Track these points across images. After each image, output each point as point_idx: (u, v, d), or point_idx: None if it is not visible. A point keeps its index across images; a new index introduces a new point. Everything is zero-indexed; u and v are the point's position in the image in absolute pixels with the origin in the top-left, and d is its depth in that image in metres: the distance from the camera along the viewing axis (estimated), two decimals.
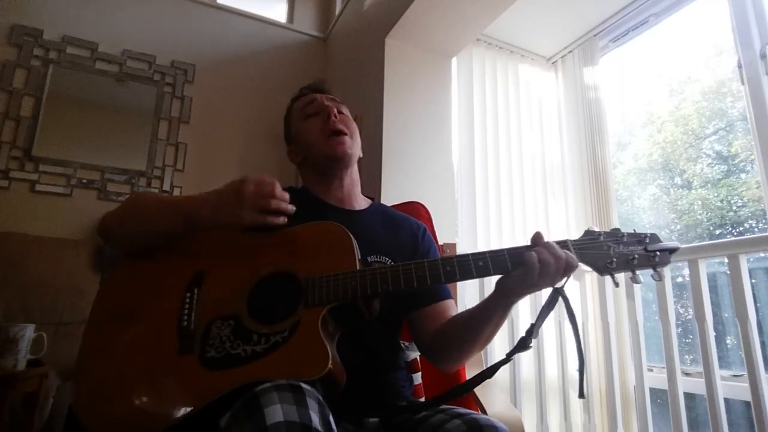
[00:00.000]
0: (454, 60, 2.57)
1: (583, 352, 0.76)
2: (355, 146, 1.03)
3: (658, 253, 0.74)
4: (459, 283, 1.43)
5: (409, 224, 1.06)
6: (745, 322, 1.44)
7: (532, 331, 0.76)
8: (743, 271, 1.48)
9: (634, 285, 1.81)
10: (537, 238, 0.76)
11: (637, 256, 0.74)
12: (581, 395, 0.76)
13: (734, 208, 2.29)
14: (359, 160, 1.08)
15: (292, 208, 0.83)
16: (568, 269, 0.73)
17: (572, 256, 0.74)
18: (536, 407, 2.00)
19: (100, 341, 0.80)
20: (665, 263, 0.74)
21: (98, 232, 0.89)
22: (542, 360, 2.02)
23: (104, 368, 0.76)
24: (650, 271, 0.75)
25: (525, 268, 0.73)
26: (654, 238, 0.75)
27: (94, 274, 2.16)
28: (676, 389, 1.61)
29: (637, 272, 0.74)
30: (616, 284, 0.75)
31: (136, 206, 0.88)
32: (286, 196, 0.83)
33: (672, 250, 0.74)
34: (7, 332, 1.39)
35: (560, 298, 0.77)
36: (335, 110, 1.03)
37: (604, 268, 0.74)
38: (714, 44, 2.47)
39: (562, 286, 0.76)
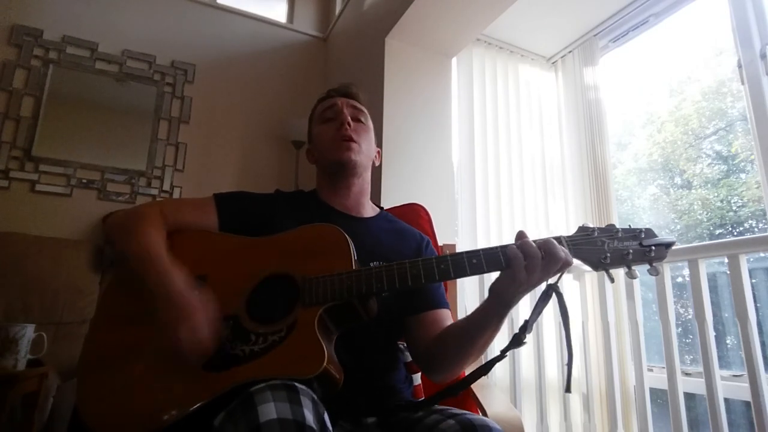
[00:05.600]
0: (454, 60, 2.57)
1: (572, 348, 0.77)
2: (362, 155, 1.03)
3: (653, 247, 0.73)
4: (459, 289, 1.43)
5: (413, 235, 1.07)
6: (745, 322, 1.44)
7: (526, 327, 0.77)
8: (743, 271, 1.48)
9: (634, 284, 1.81)
10: (518, 236, 0.76)
11: (631, 251, 0.73)
12: (568, 389, 0.77)
13: (734, 208, 2.29)
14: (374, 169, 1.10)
15: None
16: (549, 257, 0.72)
17: (552, 241, 0.73)
18: (536, 407, 2.00)
19: (103, 341, 0.80)
20: (661, 258, 0.73)
21: (104, 231, 0.88)
22: (542, 360, 2.02)
23: (107, 368, 0.77)
24: (647, 266, 0.74)
25: (510, 268, 0.73)
26: (649, 233, 0.74)
27: (94, 274, 2.15)
28: (676, 389, 1.61)
29: (633, 267, 0.74)
30: (612, 279, 0.75)
31: (129, 233, 0.85)
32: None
33: (668, 245, 0.73)
34: (7, 332, 1.38)
35: (555, 295, 0.77)
36: (349, 119, 1.03)
37: (598, 263, 0.74)
38: (714, 44, 2.47)
39: (556, 282, 0.76)
